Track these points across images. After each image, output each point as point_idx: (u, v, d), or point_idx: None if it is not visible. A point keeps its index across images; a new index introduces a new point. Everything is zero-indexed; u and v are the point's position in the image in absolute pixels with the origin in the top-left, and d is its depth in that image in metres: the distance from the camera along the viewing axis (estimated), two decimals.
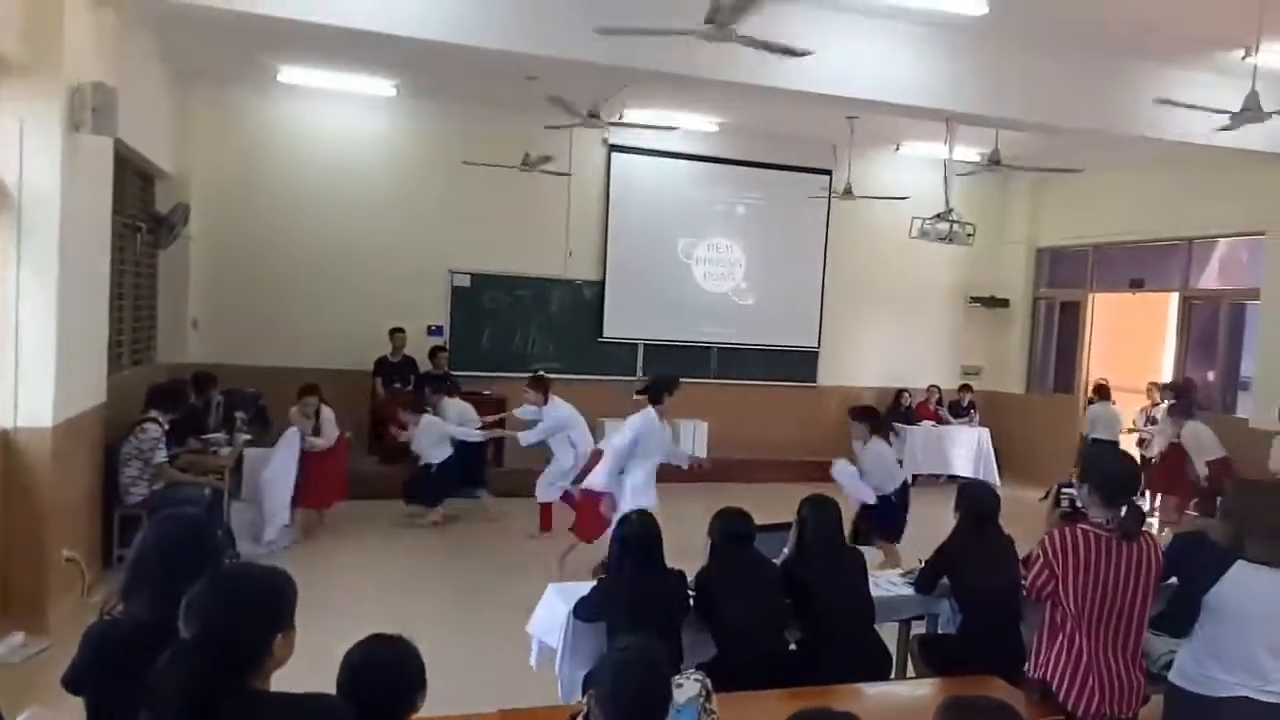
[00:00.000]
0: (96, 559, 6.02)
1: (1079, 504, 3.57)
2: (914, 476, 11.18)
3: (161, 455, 6.35)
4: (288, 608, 1.98)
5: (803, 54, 5.42)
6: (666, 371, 7.82)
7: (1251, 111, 5.92)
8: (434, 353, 10.05)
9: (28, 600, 5.14)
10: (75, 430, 5.59)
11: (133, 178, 8.18)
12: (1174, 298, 10.91)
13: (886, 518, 6.53)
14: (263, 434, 7.95)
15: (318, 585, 4.92)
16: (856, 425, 6.76)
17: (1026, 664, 3.49)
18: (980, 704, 2.09)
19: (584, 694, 2.47)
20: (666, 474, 10.47)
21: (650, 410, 6.44)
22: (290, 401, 7.99)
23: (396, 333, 9.93)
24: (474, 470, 8.74)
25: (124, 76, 6.14)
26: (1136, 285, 11.48)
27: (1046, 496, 9.03)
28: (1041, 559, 3.21)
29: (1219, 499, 3.20)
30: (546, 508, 8.06)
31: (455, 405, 8.65)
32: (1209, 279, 10.72)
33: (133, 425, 6.37)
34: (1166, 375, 11.07)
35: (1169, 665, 3.21)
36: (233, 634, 1.87)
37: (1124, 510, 3.16)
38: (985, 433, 11.65)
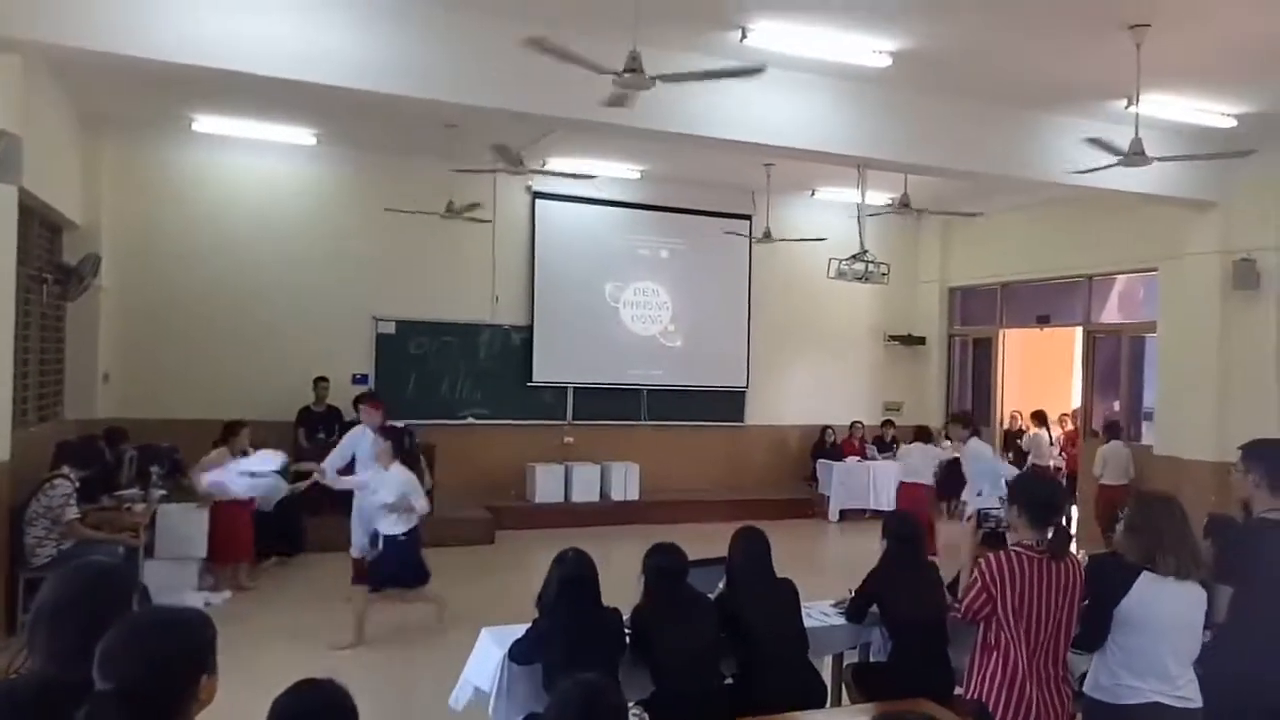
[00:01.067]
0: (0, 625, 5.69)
1: (1001, 527, 3.70)
2: (840, 512, 11.48)
3: (72, 512, 6.09)
4: (209, 649, 1.91)
5: (753, 72, 5.44)
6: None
7: (1137, 156, 6.34)
8: (358, 401, 9.86)
9: None
10: None
11: (39, 228, 7.91)
12: (1078, 332, 11.45)
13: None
14: (178, 489, 7.67)
15: (244, 641, 4.74)
16: (954, 427, 8.09)
17: (958, 687, 3.57)
18: (913, 715, 2.16)
19: None
20: (599, 515, 10.49)
21: None
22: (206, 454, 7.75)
23: (320, 382, 9.75)
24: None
25: (29, 123, 5.99)
26: (1043, 321, 12.03)
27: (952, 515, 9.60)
28: (979, 583, 3.28)
29: (1119, 515, 3.34)
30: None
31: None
32: (1110, 313, 11.30)
33: (41, 483, 6.10)
34: (1075, 405, 11.61)
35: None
36: (154, 683, 1.79)
37: (1050, 531, 3.28)
38: None
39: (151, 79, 7.02)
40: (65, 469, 6.20)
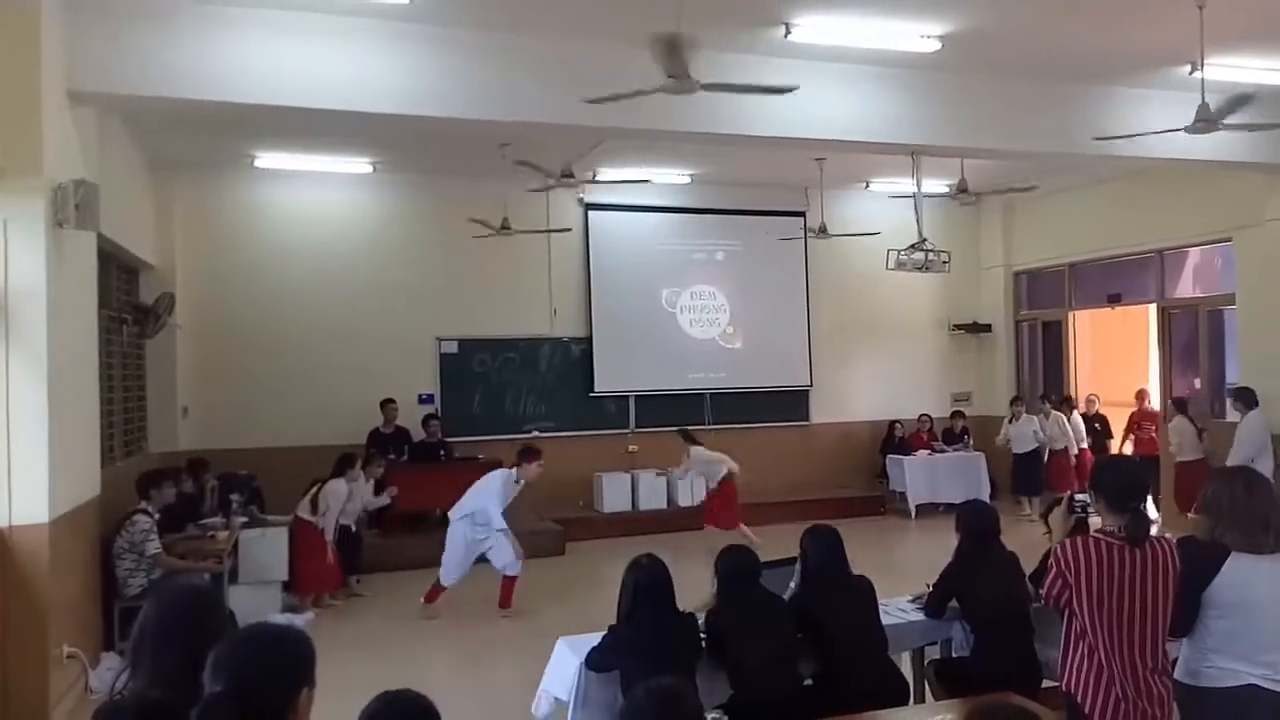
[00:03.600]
0: (98, 655, 5.92)
1: (1090, 512, 3.59)
2: (916, 507, 11.27)
3: (155, 546, 6.31)
4: (310, 663, 1.97)
5: (785, 90, 5.53)
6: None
7: (1204, 123, 6.11)
8: (426, 421, 10.06)
9: (29, 699, 5.04)
10: (71, 525, 5.55)
11: (117, 271, 8.26)
12: (1152, 309, 11.06)
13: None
14: (258, 515, 7.91)
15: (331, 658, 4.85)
16: (1236, 401, 8.91)
17: (1045, 679, 3.47)
18: (1008, 707, 2.12)
19: None
20: (670, 520, 10.46)
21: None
22: (285, 482, 8.00)
23: (388, 404, 9.95)
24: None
25: (104, 172, 6.25)
26: (1114, 300, 11.65)
27: (1047, 513, 9.26)
28: (1054, 569, 3.19)
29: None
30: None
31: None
32: (1185, 288, 10.90)
33: (122, 519, 6.35)
34: (1154, 386, 11.21)
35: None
36: (262, 685, 1.86)
37: (1130, 516, 3.18)
38: (981, 458, 11.68)
39: (213, 120, 7.28)
40: (143, 504, 6.45)
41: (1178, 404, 9.86)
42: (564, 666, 4.00)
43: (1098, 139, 6.87)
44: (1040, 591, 3.37)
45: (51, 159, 5.30)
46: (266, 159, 9.41)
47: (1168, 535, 3.23)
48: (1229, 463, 8.04)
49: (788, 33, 6.26)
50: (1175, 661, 3.18)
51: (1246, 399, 8.82)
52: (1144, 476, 3.49)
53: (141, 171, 8.86)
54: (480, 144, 8.46)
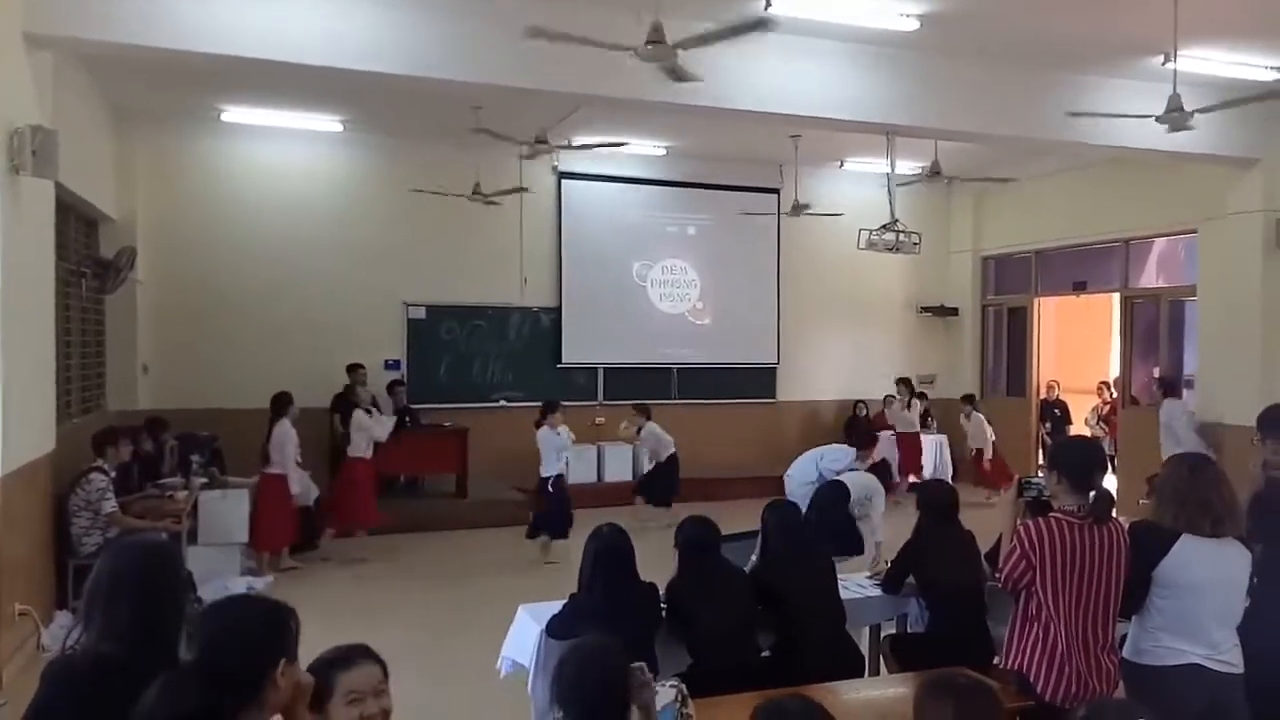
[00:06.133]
0: (51, 613, 5.83)
1: (1044, 494, 3.64)
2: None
3: (110, 504, 6.22)
4: (286, 637, 1.94)
5: (761, 26, 5.35)
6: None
7: (1175, 113, 6.17)
8: (392, 387, 9.97)
9: None
10: (24, 480, 5.45)
11: (76, 222, 8.05)
12: (1116, 298, 11.24)
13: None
14: (218, 477, 7.81)
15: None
16: (1158, 388, 9.20)
17: (997, 657, 3.53)
18: (960, 678, 2.17)
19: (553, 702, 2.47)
20: (632, 494, 10.49)
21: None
22: (246, 443, 7.92)
23: (356, 369, 9.82)
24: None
25: (63, 119, 6.07)
26: (1079, 287, 11.82)
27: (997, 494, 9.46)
28: (1018, 551, 3.22)
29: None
30: None
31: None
32: (1148, 278, 11.07)
33: (78, 476, 6.24)
34: (1114, 374, 11.40)
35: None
36: (232, 658, 1.83)
37: (1092, 496, 3.22)
38: (944, 439, 11.83)
39: (179, 70, 7.08)
40: (99, 462, 6.33)
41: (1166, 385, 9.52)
42: (525, 633, 4.01)
43: (1072, 114, 6.87)
44: (998, 574, 3.42)
45: (7, 103, 5.14)
46: (234, 113, 9.19)
47: (1119, 518, 3.29)
48: (1162, 450, 8.25)
49: (768, 5, 6.21)
50: (1123, 640, 3.25)
51: (1167, 387, 9.34)
52: (1103, 456, 3.55)
53: (103, 121, 8.63)
54: (453, 107, 8.32)
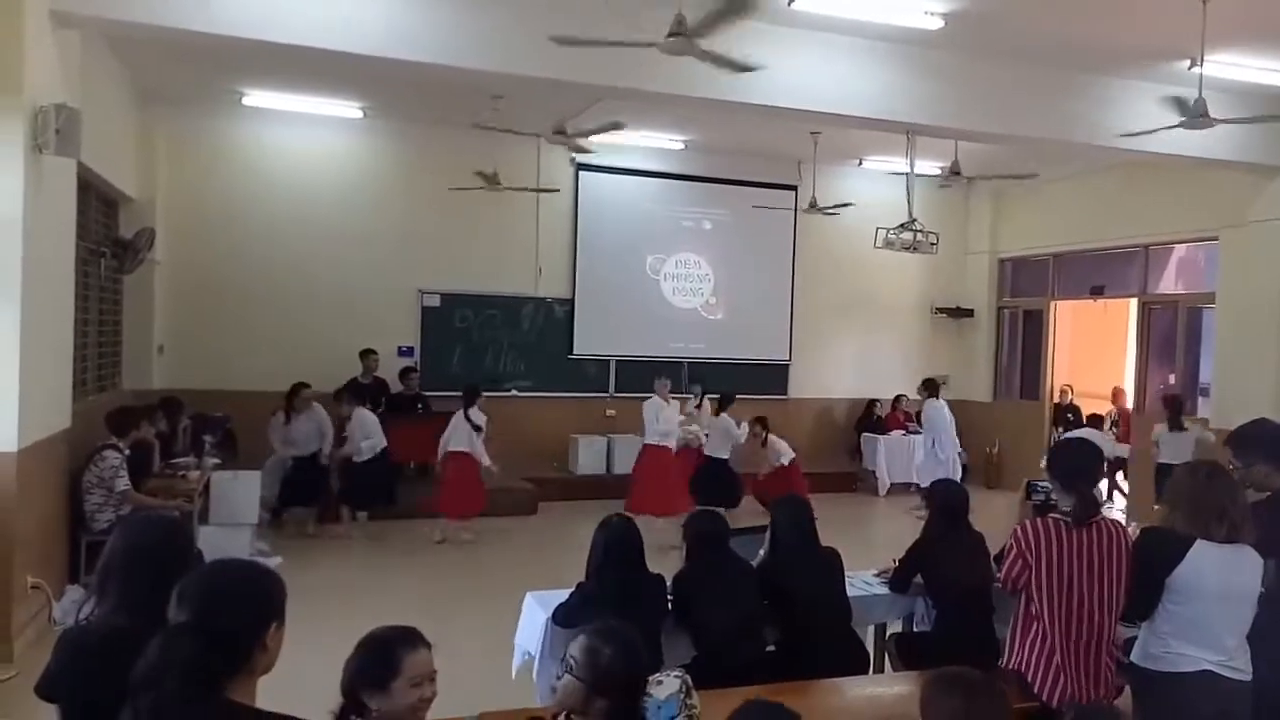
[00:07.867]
0: (63, 587, 5.90)
1: (1051, 497, 3.64)
2: (890, 484, 11.40)
3: (124, 482, 6.27)
4: (278, 599, 1.97)
5: (753, 69, 5.47)
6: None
7: (1200, 118, 6.12)
8: (404, 374, 10.01)
9: None
10: (40, 455, 5.50)
11: (96, 202, 8.10)
12: (1133, 303, 11.14)
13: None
14: (231, 457, 7.87)
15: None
16: (920, 389, 10.17)
17: (1001, 658, 3.53)
18: (970, 675, 2.15)
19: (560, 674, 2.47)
20: None
21: None
22: (259, 425, 7.97)
23: (368, 354, 9.86)
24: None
25: (87, 99, 6.10)
26: (1097, 292, 11.72)
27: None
28: (1014, 550, 3.26)
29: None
30: None
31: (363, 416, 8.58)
32: (1167, 284, 10.97)
33: (92, 453, 6.30)
34: (1129, 380, 11.31)
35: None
36: (228, 618, 1.85)
37: (1076, 497, 3.22)
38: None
39: (202, 53, 7.12)
40: (113, 439, 6.38)
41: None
42: (533, 621, 4.02)
43: (1124, 135, 6.86)
44: (1000, 575, 3.43)
45: (32, 81, 5.18)
46: (255, 97, 9.23)
47: (1132, 524, 3.28)
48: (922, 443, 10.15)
49: (791, 1, 6.19)
50: (1131, 644, 3.24)
51: (930, 387, 10.52)
52: (1092, 459, 3.49)
53: (126, 102, 8.67)
54: (472, 95, 8.32)
